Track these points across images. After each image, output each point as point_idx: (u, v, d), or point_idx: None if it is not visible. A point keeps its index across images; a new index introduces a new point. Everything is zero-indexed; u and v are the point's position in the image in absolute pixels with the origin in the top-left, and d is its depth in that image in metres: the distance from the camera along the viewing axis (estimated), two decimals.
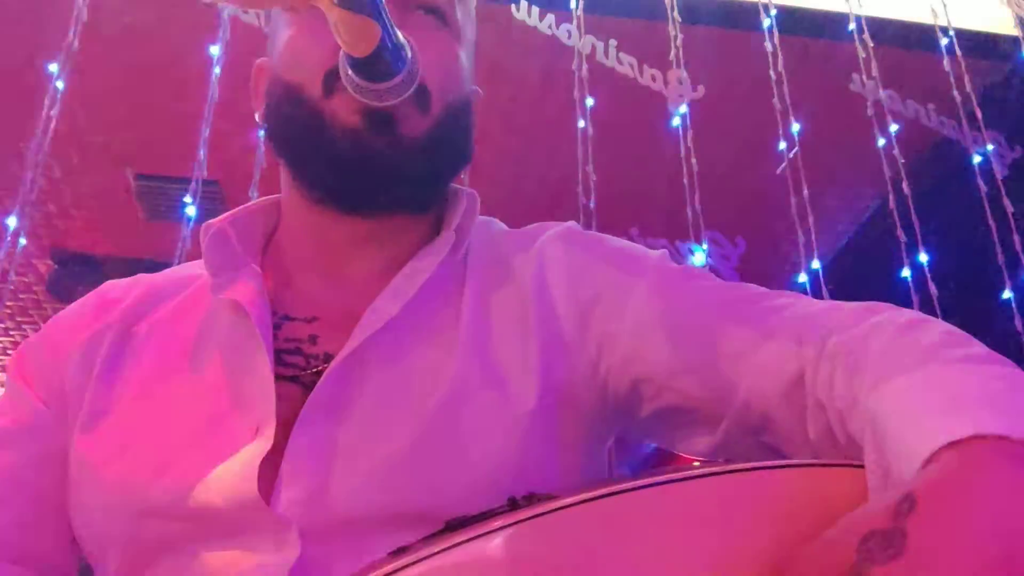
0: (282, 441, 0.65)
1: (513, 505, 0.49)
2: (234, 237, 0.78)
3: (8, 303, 4.74)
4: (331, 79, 0.70)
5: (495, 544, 0.47)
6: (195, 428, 0.68)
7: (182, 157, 3.20)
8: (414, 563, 0.46)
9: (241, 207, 0.81)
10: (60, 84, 2.90)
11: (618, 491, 0.48)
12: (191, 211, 3.01)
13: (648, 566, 0.46)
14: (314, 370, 0.70)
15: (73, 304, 0.81)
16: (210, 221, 0.78)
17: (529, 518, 0.47)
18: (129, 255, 4.73)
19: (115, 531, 0.67)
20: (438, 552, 0.47)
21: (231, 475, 0.64)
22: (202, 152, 2.96)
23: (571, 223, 0.82)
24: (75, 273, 4.87)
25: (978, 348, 0.56)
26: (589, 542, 0.47)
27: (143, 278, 0.83)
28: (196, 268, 0.82)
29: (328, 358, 0.70)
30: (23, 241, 3.11)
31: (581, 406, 0.72)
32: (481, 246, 0.79)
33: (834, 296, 3.23)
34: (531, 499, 0.50)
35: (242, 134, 3.17)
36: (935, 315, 3.09)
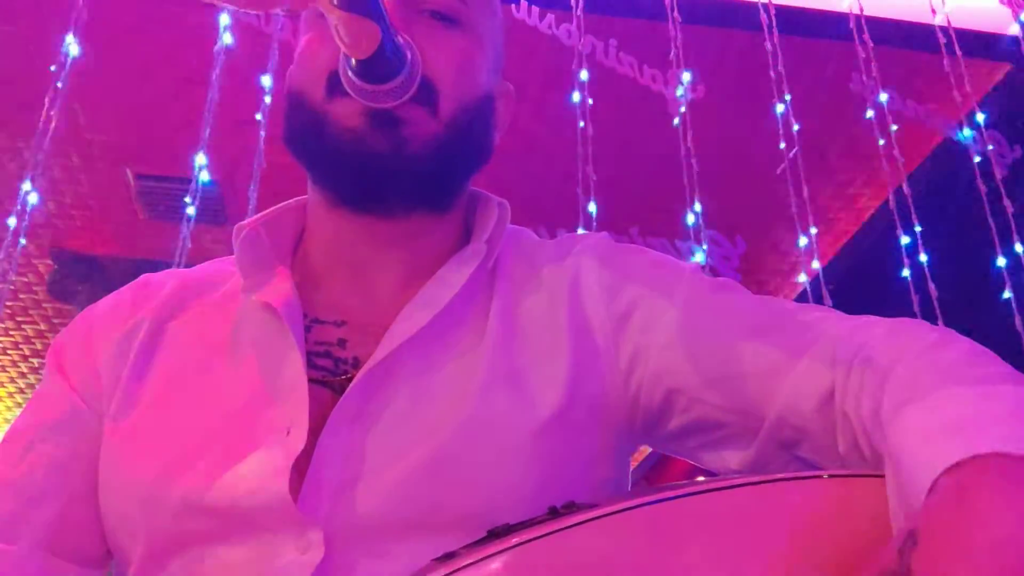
0: (310, 444, 0.66)
1: (553, 513, 0.50)
2: (266, 238, 0.78)
3: (8, 303, 4.74)
4: (333, 82, 0.71)
5: (543, 551, 0.47)
6: (224, 424, 0.69)
7: (182, 157, 3.20)
8: (465, 567, 0.47)
9: (272, 208, 0.81)
10: (60, 84, 2.90)
11: (658, 500, 0.49)
12: (191, 211, 3.01)
13: (697, 573, 0.46)
14: (343, 375, 0.71)
15: (109, 296, 0.82)
16: (242, 223, 0.78)
17: (572, 526, 0.48)
18: (129, 255, 4.74)
19: (139, 522, 0.68)
20: (488, 557, 0.47)
21: (261, 473, 0.65)
22: (202, 152, 2.96)
23: (604, 234, 0.83)
24: (75, 273, 4.87)
25: (997, 367, 0.56)
26: (636, 549, 0.47)
27: (178, 273, 0.83)
28: (230, 264, 0.82)
29: (357, 363, 0.71)
30: (23, 241, 3.12)
31: (611, 418, 0.72)
32: (511, 256, 0.79)
33: (834, 295, 3.23)
34: (571, 507, 0.50)
35: (242, 134, 3.18)
36: (935, 315, 3.09)
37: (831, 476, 0.52)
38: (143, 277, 0.83)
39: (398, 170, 0.71)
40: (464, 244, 0.78)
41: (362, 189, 0.74)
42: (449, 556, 0.50)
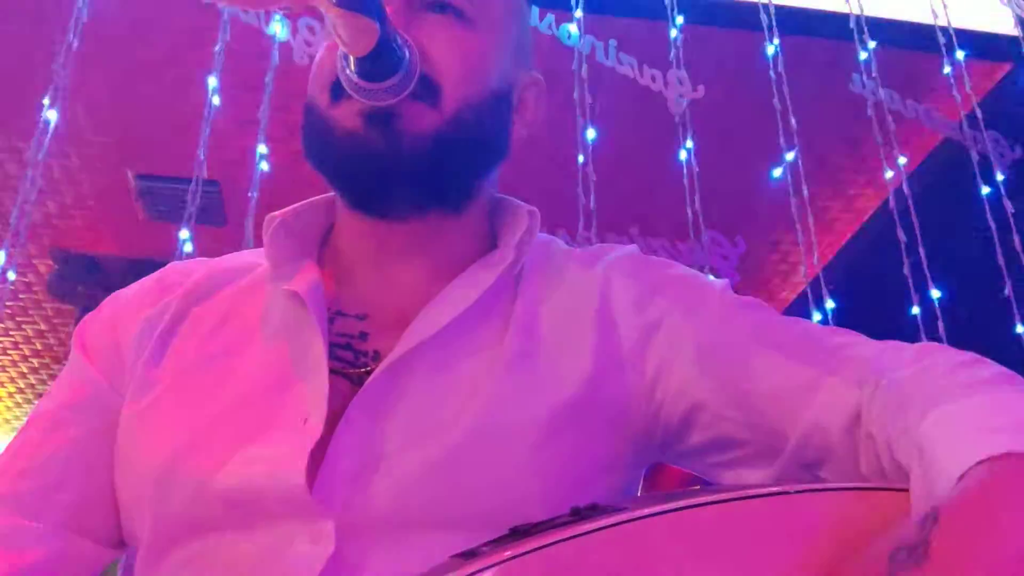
0: (326, 434, 0.66)
1: (577, 515, 0.49)
2: (296, 230, 0.79)
3: (8, 303, 4.74)
4: (338, 88, 0.71)
5: (566, 554, 0.47)
6: (242, 408, 0.69)
7: (182, 157, 3.20)
8: (486, 569, 0.47)
9: (303, 202, 0.82)
10: (60, 84, 2.90)
11: (686, 506, 0.49)
12: (191, 211, 3.01)
13: None
14: (363, 368, 0.71)
15: (136, 282, 0.83)
16: (274, 213, 0.79)
17: (598, 529, 0.47)
18: (129, 255, 4.74)
19: (151, 505, 0.68)
20: (508, 560, 0.47)
21: (276, 458, 0.65)
22: (202, 152, 2.96)
23: (633, 247, 0.83)
24: (75, 273, 4.87)
25: None
26: (660, 557, 0.47)
27: (206, 262, 0.84)
28: (256, 257, 0.83)
29: (377, 356, 0.71)
30: (23, 241, 3.12)
31: (630, 427, 0.72)
32: (538, 263, 0.79)
33: (834, 295, 3.24)
34: (595, 509, 0.50)
35: (242, 134, 3.18)
36: (935, 315, 3.08)
37: (855, 488, 0.52)
38: (169, 265, 0.84)
39: (395, 168, 0.71)
40: (489, 249, 0.78)
41: (362, 190, 0.74)
42: (471, 553, 0.49)
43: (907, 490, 0.51)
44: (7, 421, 6.97)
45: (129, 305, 0.79)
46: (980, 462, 0.45)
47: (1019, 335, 3.24)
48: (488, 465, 0.66)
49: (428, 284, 0.75)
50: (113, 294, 0.82)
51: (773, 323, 0.74)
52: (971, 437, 0.48)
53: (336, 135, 0.71)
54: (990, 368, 0.59)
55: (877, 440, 0.60)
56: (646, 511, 0.48)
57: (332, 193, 0.82)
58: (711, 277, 0.81)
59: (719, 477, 0.73)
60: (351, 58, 0.66)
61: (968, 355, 0.62)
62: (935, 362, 0.61)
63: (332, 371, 0.70)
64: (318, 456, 0.65)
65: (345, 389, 0.69)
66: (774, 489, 0.51)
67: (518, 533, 0.49)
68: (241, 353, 0.73)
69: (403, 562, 0.62)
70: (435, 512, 0.64)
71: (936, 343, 0.67)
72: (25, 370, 6.20)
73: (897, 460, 0.56)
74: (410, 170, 0.72)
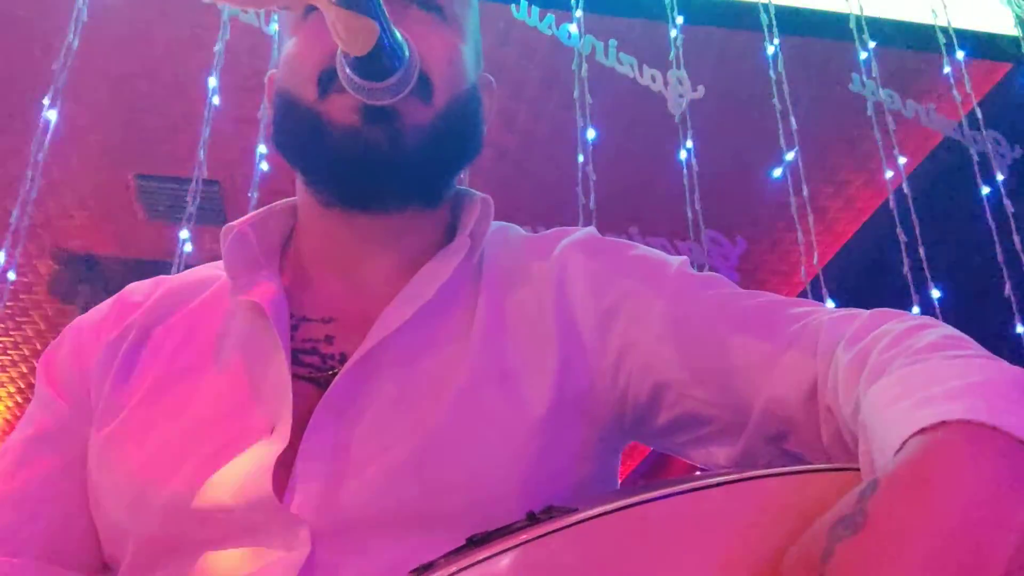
0: (297, 441, 0.65)
1: (532, 519, 0.49)
2: (254, 239, 0.78)
3: (8, 303, 4.74)
4: (326, 80, 0.71)
5: (519, 559, 0.47)
6: (209, 426, 0.69)
7: (182, 157, 3.20)
8: None
9: (261, 209, 0.81)
10: (60, 85, 2.90)
11: (638, 502, 0.49)
12: (191, 211, 3.00)
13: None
14: (330, 370, 0.71)
15: (95, 308, 0.82)
16: (230, 224, 0.79)
17: (551, 532, 0.47)
18: (129, 255, 4.74)
19: (127, 527, 0.68)
20: (464, 568, 0.47)
21: (245, 473, 0.64)
22: (202, 152, 2.96)
23: (590, 229, 0.82)
24: (75, 273, 4.87)
25: (971, 348, 0.57)
26: (617, 555, 0.47)
27: (164, 280, 0.84)
28: (216, 270, 0.82)
29: (344, 358, 0.71)
30: (23, 241, 3.11)
31: (599, 415, 0.72)
32: (497, 251, 0.79)
33: (834, 295, 3.23)
34: (550, 512, 0.50)
35: (242, 134, 3.18)
36: (935, 315, 3.09)
37: (814, 471, 0.52)
38: (128, 287, 0.83)
39: (394, 162, 0.71)
40: (450, 240, 0.78)
41: (361, 186, 0.74)
42: (427, 567, 0.49)
43: (855, 469, 0.51)
44: (7, 421, 6.97)
45: (89, 332, 0.79)
46: (915, 433, 0.46)
47: (1019, 335, 3.23)
48: (459, 463, 0.65)
49: (392, 282, 0.74)
50: (73, 322, 0.82)
51: (732, 298, 0.73)
52: (905, 410, 0.48)
53: (332, 130, 0.71)
54: (935, 330, 0.60)
55: (836, 414, 0.60)
56: (599, 510, 0.48)
57: (289, 200, 0.82)
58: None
59: (690, 455, 0.73)
60: (350, 56, 0.65)
61: (916, 319, 0.62)
62: (885, 331, 0.61)
63: (299, 377, 0.69)
64: (290, 463, 0.65)
65: (312, 394, 0.69)
66: (728, 478, 0.51)
67: (474, 542, 0.49)
68: (205, 369, 0.73)
69: (379, 564, 0.61)
70: (409, 512, 0.63)
71: (888, 308, 0.67)
72: (25, 370, 6.20)
73: (855, 434, 0.57)
74: (407, 165, 0.72)
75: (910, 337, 0.59)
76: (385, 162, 0.71)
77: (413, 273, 0.74)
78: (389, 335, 0.69)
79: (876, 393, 0.53)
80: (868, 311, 0.67)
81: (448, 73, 0.74)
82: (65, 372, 0.77)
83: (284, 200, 0.83)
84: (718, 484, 0.50)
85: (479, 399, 0.68)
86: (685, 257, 0.78)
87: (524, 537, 0.47)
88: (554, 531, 0.47)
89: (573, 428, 0.70)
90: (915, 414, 0.47)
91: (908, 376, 0.53)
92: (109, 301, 0.82)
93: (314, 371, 0.71)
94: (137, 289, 0.82)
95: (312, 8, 0.71)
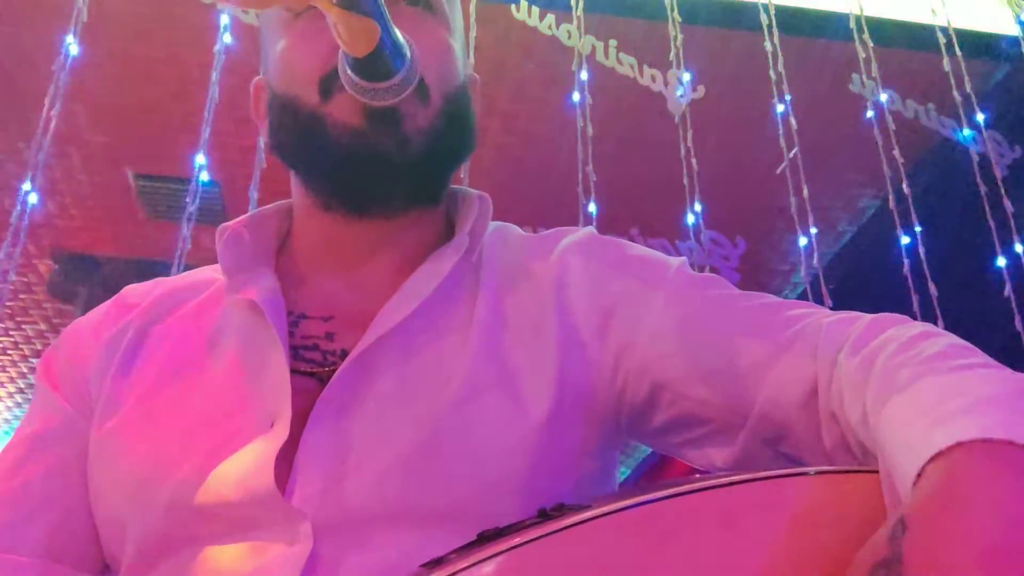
0: (298, 436, 0.66)
1: (544, 516, 0.49)
2: (248, 239, 0.79)
3: (8, 303, 4.74)
4: (327, 83, 0.70)
5: (535, 555, 0.47)
6: (209, 422, 0.69)
7: (182, 157, 3.20)
8: (455, 574, 0.46)
9: (256, 211, 0.82)
10: (60, 84, 2.90)
11: (650, 500, 0.49)
12: (191, 211, 3.01)
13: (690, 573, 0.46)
14: (331, 366, 0.71)
15: (95, 308, 0.83)
16: (225, 224, 0.79)
17: (563, 528, 0.47)
18: (129, 255, 4.74)
19: (128, 524, 0.68)
20: (475, 564, 0.46)
21: (246, 468, 0.64)
22: (202, 152, 2.96)
23: (590, 228, 0.82)
24: (75, 273, 4.87)
25: (977, 358, 0.57)
26: (628, 551, 0.47)
27: (163, 281, 0.84)
28: (214, 272, 0.83)
29: (345, 354, 0.71)
30: (23, 241, 3.11)
31: (597, 413, 0.72)
32: (497, 250, 0.79)
33: (834, 295, 3.23)
34: (561, 509, 0.49)
35: (242, 135, 3.18)
36: (934, 315, 3.09)
37: (819, 473, 0.52)
38: (127, 288, 0.84)
39: (402, 167, 0.71)
40: (449, 238, 0.78)
41: (366, 189, 0.74)
42: (438, 562, 0.49)
43: (865, 472, 0.51)
44: (7, 421, 6.97)
45: (88, 332, 0.79)
46: (932, 458, 0.45)
47: (1019, 334, 3.23)
48: (460, 458, 0.65)
49: (392, 280, 0.74)
50: (73, 323, 0.82)
51: (730, 299, 0.73)
52: (920, 432, 0.48)
53: (336, 133, 0.70)
54: (940, 339, 0.59)
55: (841, 421, 0.60)
56: (612, 507, 0.48)
57: (285, 201, 0.82)
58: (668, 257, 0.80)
59: (686, 456, 0.73)
60: (351, 58, 0.65)
61: (920, 327, 0.62)
62: (888, 338, 0.61)
63: (300, 372, 0.69)
64: (291, 458, 0.65)
65: (315, 389, 0.69)
66: (742, 477, 0.51)
67: (486, 537, 0.49)
68: (204, 366, 0.73)
69: (382, 558, 0.61)
70: (410, 506, 0.64)
71: (891, 313, 0.67)
72: (25, 370, 6.20)
73: (862, 441, 0.57)
74: (414, 167, 0.72)
75: (916, 345, 0.59)
76: (392, 166, 0.71)
77: (413, 271, 0.74)
78: (389, 331, 0.69)
79: (887, 413, 0.53)
80: (868, 315, 0.67)
81: (442, 71, 0.74)
82: (64, 371, 0.77)
83: (279, 202, 0.83)
84: (731, 483, 0.50)
85: (479, 395, 0.68)
86: (684, 258, 0.78)
87: (538, 532, 0.47)
88: (569, 526, 0.47)
89: (572, 426, 0.70)
90: (930, 437, 0.47)
91: (920, 392, 0.52)
92: (108, 303, 0.82)
93: (315, 367, 0.71)
94: (135, 290, 0.83)
95: (310, 7, 0.70)
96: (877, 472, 0.51)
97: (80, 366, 0.77)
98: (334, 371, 0.69)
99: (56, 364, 0.78)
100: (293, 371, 0.69)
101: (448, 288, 0.73)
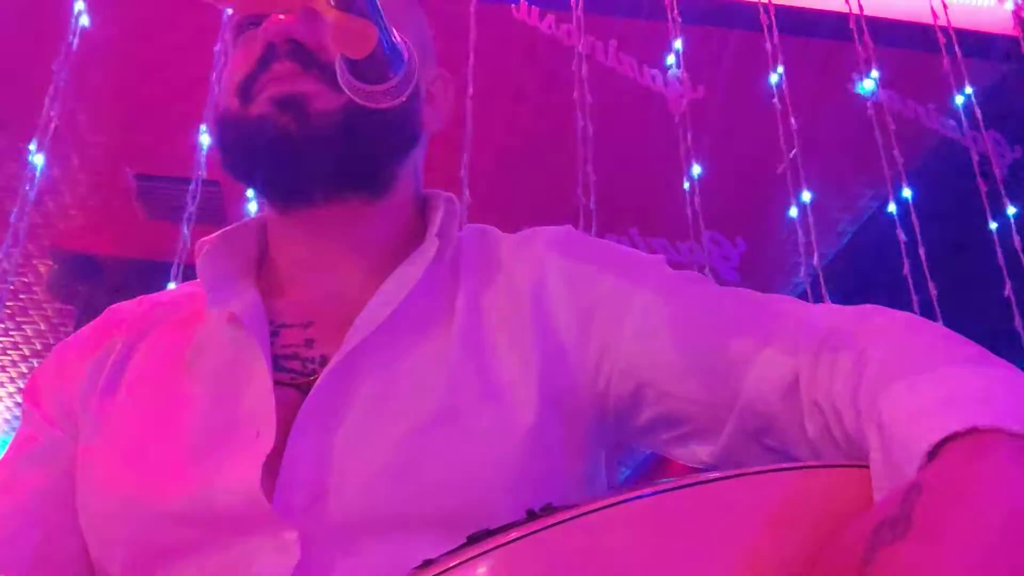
0: (282, 446, 0.66)
1: (531, 516, 0.50)
2: (228, 252, 0.80)
3: (8, 303, 4.74)
4: (244, 87, 0.74)
5: (524, 552, 0.47)
6: (195, 436, 0.69)
7: (182, 157, 3.20)
8: (447, 571, 0.47)
9: (234, 224, 0.83)
10: (61, 83, 2.90)
11: (637, 496, 0.49)
12: (191, 211, 3.01)
13: (673, 569, 0.47)
14: (311, 375, 0.71)
15: (80, 329, 0.84)
16: (205, 238, 0.80)
17: (551, 525, 0.48)
18: (129, 255, 4.74)
19: (116, 538, 0.68)
20: (466, 561, 0.47)
21: (233, 478, 0.65)
22: (202, 152, 2.96)
23: (567, 227, 0.82)
24: (75, 273, 4.87)
25: (974, 349, 0.57)
26: (616, 546, 0.47)
27: (147, 298, 0.85)
28: (197, 286, 0.83)
29: (324, 361, 0.71)
30: (23, 241, 3.12)
31: (582, 414, 0.72)
32: (474, 252, 0.80)
33: (834, 296, 3.23)
34: (548, 510, 0.50)
35: None
36: (934, 314, 3.09)
37: (807, 468, 0.53)
38: (111, 307, 0.85)
39: (305, 148, 0.72)
40: (422, 242, 0.78)
41: (278, 172, 0.75)
42: (428, 563, 0.50)
43: (853, 467, 0.52)
44: (7, 421, 6.98)
45: (74, 352, 0.80)
46: (948, 438, 0.46)
47: (1019, 335, 3.23)
48: (445, 464, 0.65)
49: (367, 284, 0.75)
50: (59, 344, 0.84)
51: (711, 295, 0.74)
52: (934, 415, 0.49)
53: (248, 125, 0.73)
54: (932, 329, 0.60)
55: (825, 409, 0.60)
56: (601, 503, 0.49)
57: (262, 214, 0.84)
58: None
59: (673, 453, 0.73)
60: (349, 60, 0.65)
61: (906, 317, 0.63)
62: (880, 326, 0.61)
63: (282, 383, 0.70)
64: (276, 468, 0.65)
65: (296, 399, 0.69)
66: (730, 473, 0.51)
67: (475, 539, 0.49)
68: (188, 381, 0.73)
69: (370, 565, 0.62)
70: (396, 512, 0.64)
71: (874, 305, 0.67)
72: (25, 370, 6.20)
73: (848, 431, 0.57)
74: (319, 149, 0.73)
75: (910, 335, 0.59)
76: (294, 143, 0.72)
77: (387, 274, 0.75)
78: (366, 338, 0.70)
79: (893, 398, 0.53)
80: (850, 307, 0.67)
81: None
82: (51, 391, 0.78)
83: (259, 214, 0.85)
84: (724, 479, 0.51)
85: (462, 400, 0.68)
86: (662, 256, 0.79)
87: (526, 530, 0.48)
88: (557, 523, 0.48)
89: (557, 427, 0.70)
90: (944, 419, 0.48)
91: (929, 380, 0.53)
92: (94, 322, 0.84)
93: (296, 376, 0.71)
94: (120, 308, 0.84)
95: (249, 26, 0.75)
96: (854, 467, 0.52)
97: (66, 387, 0.77)
98: (313, 379, 0.69)
99: (41, 385, 0.79)
100: (275, 382, 0.69)
101: (424, 292, 0.73)
